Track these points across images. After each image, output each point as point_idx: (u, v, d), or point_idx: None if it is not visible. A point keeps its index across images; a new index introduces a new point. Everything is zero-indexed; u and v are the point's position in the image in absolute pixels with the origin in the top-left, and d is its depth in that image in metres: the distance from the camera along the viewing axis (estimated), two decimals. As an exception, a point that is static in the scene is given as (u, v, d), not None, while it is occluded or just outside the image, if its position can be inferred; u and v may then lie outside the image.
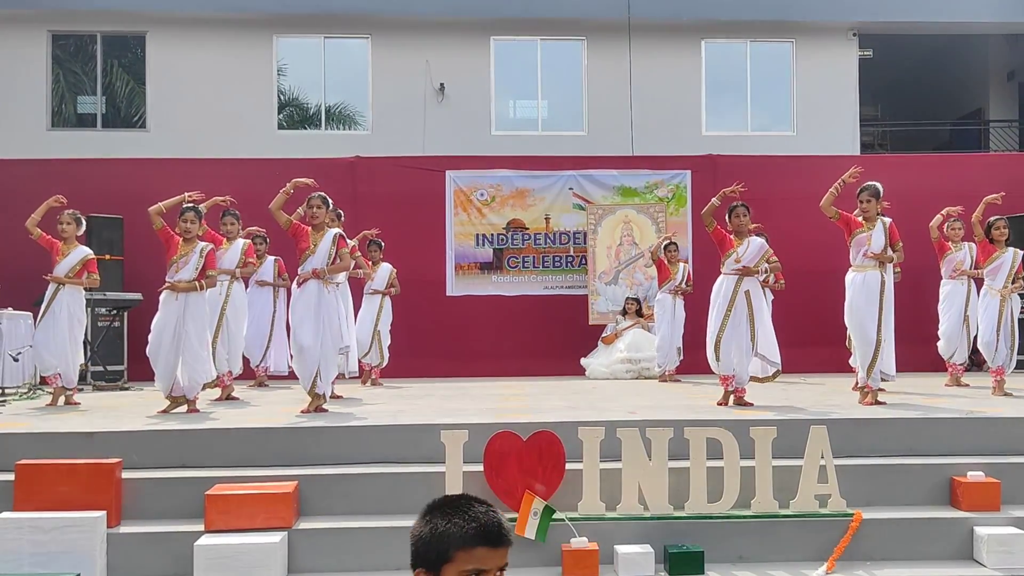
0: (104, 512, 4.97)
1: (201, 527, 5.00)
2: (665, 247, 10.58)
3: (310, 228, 7.08)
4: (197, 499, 5.10)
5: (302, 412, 6.79)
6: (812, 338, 11.12)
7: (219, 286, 8.20)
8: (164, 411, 7.02)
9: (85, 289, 8.21)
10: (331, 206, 7.25)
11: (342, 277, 8.11)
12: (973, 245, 9.25)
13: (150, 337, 7.15)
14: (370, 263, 10.05)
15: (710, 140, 15.45)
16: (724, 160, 12.41)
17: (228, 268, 8.62)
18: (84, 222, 8.15)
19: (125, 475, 5.25)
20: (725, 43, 16.88)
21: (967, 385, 9.10)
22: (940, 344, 9.45)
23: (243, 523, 4.96)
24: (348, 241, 7.40)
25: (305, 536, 5.06)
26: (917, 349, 10.11)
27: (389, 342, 10.28)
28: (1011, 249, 8.42)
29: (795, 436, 5.47)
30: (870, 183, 7.19)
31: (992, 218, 8.53)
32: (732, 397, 7.13)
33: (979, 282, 9.25)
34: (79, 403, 7.95)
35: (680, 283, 10.34)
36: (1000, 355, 8.21)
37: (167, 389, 7.15)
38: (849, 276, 7.24)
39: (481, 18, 16.27)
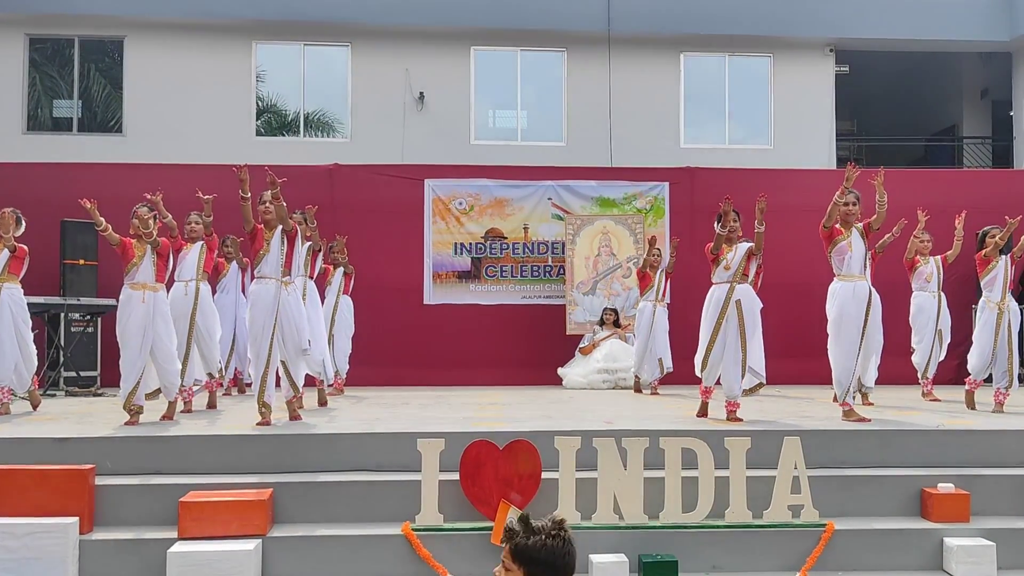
0: (77, 518, 4.93)
1: (174, 534, 4.97)
2: (647, 253, 10.58)
3: (262, 227, 6.83)
4: (171, 506, 5.07)
5: (258, 424, 6.40)
6: (788, 350, 11.17)
7: (184, 287, 7.93)
8: (131, 422, 6.59)
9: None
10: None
11: (299, 280, 7.55)
12: (939, 259, 9.36)
13: (124, 345, 6.76)
14: (331, 267, 9.66)
15: (688, 152, 15.54)
16: (702, 172, 12.50)
17: (189, 270, 8.06)
18: (24, 223, 7.92)
19: (98, 481, 5.21)
20: (704, 57, 17.01)
21: (938, 400, 9.11)
22: (914, 357, 9.55)
23: (217, 530, 4.94)
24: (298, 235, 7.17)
25: (279, 544, 5.03)
26: (889, 361, 10.22)
27: (350, 351, 9.84)
28: (1003, 257, 8.08)
29: (769, 447, 5.52)
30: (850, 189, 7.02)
31: (987, 228, 8.28)
32: (725, 412, 6.78)
33: (949, 295, 9.37)
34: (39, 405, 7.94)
35: (662, 292, 10.25)
36: (1000, 373, 7.89)
37: (134, 398, 6.71)
38: (836, 285, 6.91)
39: (462, 28, 16.30)
